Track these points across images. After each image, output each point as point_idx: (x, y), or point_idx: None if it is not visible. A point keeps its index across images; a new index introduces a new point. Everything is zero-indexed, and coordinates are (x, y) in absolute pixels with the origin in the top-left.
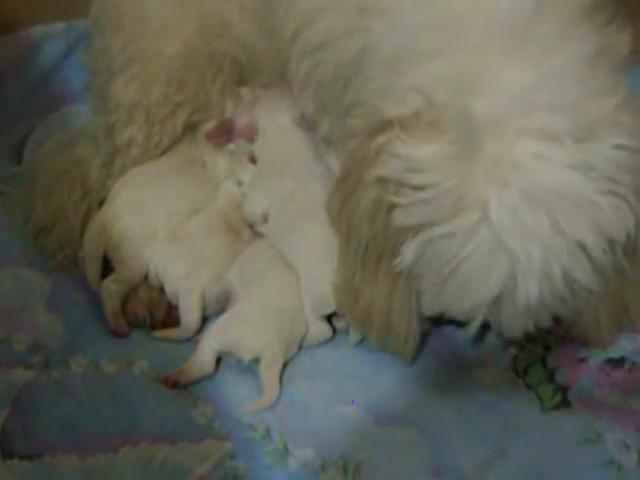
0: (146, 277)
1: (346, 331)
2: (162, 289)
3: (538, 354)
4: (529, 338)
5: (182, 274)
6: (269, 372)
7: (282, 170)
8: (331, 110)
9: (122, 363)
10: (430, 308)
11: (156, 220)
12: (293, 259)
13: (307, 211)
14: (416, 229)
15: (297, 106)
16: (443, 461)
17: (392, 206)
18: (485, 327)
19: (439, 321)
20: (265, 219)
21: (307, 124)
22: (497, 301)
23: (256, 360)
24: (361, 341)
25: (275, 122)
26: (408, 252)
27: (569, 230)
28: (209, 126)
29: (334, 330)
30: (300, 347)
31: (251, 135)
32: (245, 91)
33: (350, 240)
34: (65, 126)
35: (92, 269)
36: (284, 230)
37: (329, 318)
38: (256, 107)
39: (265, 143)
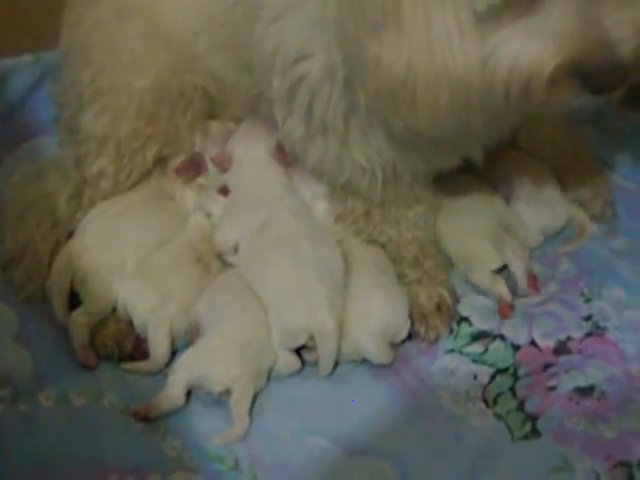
0: (114, 309)
1: (315, 363)
2: (131, 321)
3: (507, 383)
4: (498, 370)
5: (150, 307)
6: (239, 405)
7: (255, 202)
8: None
9: (91, 396)
10: None
11: (124, 253)
12: (261, 291)
13: (278, 244)
14: None
15: (272, 138)
16: None
17: None
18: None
19: None
20: (236, 250)
21: (282, 157)
22: None
23: (226, 392)
24: (331, 372)
25: (250, 153)
26: None
27: None
28: (178, 161)
29: (303, 362)
30: (269, 378)
31: (224, 165)
32: (215, 125)
33: None
34: (33, 158)
35: (58, 302)
36: (254, 261)
37: (298, 350)
38: (232, 137)
39: (239, 174)
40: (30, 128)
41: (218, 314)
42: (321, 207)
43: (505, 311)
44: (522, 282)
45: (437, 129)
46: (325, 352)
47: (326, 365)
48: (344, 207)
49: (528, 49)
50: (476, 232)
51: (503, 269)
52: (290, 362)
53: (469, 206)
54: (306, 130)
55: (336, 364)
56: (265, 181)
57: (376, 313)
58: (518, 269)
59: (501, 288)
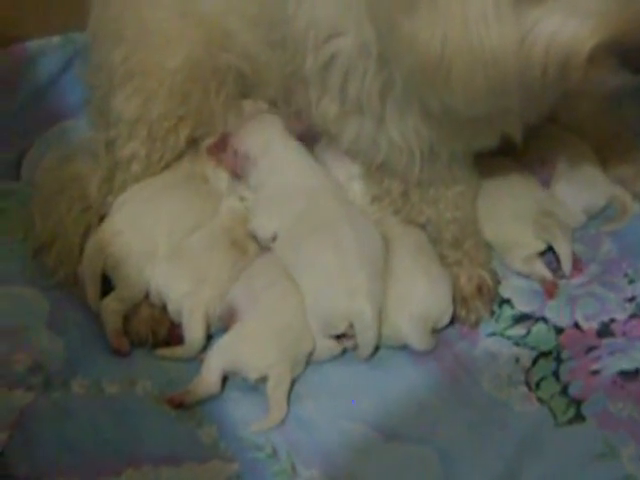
0: (148, 295)
1: (354, 348)
2: (164, 307)
3: (550, 367)
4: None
5: (184, 292)
6: (276, 391)
7: (291, 189)
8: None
9: (124, 383)
10: None
11: (157, 237)
12: (299, 277)
13: (318, 230)
14: None
15: (278, 119)
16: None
17: None
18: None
19: None
20: (275, 239)
21: (310, 136)
22: None
23: (262, 379)
24: (370, 357)
25: (274, 144)
26: None
27: None
28: (209, 140)
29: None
30: (307, 364)
31: (238, 170)
32: (248, 104)
33: None
34: (63, 141)
35: (91, 288)
36: (293, 248)
37: (337, 336)
38: (239, 140)
39: (270, 167)
40: (60, 111)
41: (255, 299)
42: (357, 188)
43: (551, 290)
44: (567, 265)
45: (474, 107)
46: (364, 340)
47: (365, 352)
48: (380, 187)
49: (565, 28)
50: (515, 216)
51: (542, 253)
52: (330, 348)
53: (507, 190)
54: (341, 109)
55: (375, 348)
56: (299, 169)
57: (418, 298)
58: (564, 252)
59: (541, 268)
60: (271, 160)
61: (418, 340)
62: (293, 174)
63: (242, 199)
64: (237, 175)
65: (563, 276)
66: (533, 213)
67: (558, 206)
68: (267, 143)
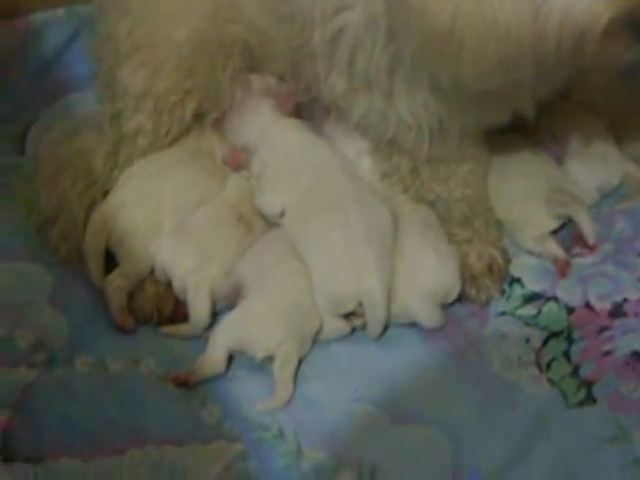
0: (152, 271)
1: (363, 327)
2: (169, 283)
3: (561, 348)
4: (552, 334)
5: (190, 268)
6: (283, 371)
7: (298, 165)
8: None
9: (128, 361)
10: None
11: (162, 212)
12: (307, 255)
13: (325, 206)
14: None
15: (266, 99)
16: (464, 462)
17: None
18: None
19: None
20: (282, 215)
21: (287, 104)
22: None
23: (269, 358)
24: (379, 335)
25: (269, 128)
26: None
27: None
28: (215, 114)
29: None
30: (314, 343)
31: (238, 162)
32: (256, 79)
33: None
34: (69, 115)
35: (94, 263)
36: (300, 225)
37: (345, 315)
38: (232, 131)
39: (270, 149)
40: (66, 84)
41: (262, 276)
42: (366, 164)
43: (564, 269)
44: (591, 235)
45: (484, 81)
46: (373, 319)
47: (374, 331)
48: (389, 164)
49: (580, 0)
50: (526, 194)
51: (554, 232)
52: (337, 327)
53: (519, 167)
54: (349, 84)
55: (385, 327)
56: (304, 147)
57: (426, 273)
58: (585, 222)
59: (554, 247)
60: (270, 144)
61: (427, 316)
62: (296, 152)
63: (248, 178)
64: (241, 168)
65: (575, 255)
66: (545, 191)
67: (570, 183)
68: (261, 129)
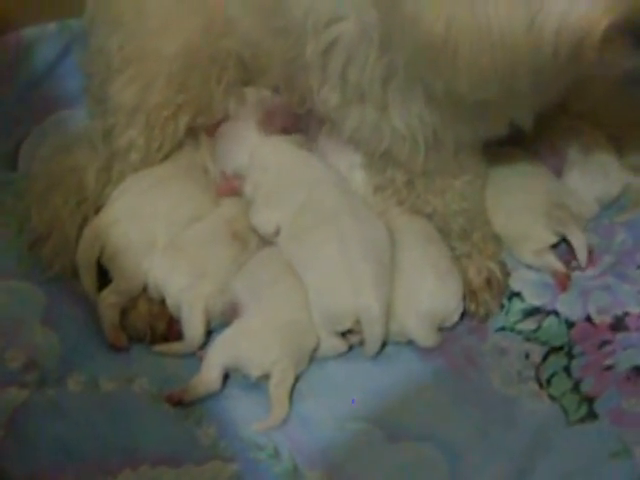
0: (146, 288)
1: (361, 344)
2: (163, 301)
3: (562, 363)
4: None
5: (184, 286)
6: (279, 389)
7: (290, 182)
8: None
9: (121, 380)
10: None
11: (155, 228)
12: (303, 272)
13: (320, 222)
14: None
15: (250, 121)
16: None
17: None
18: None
19: None
20: (277, 233)
21: (271, 126)
22: None
23: (265, 376)
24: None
25: (258, 150)
26: None
27: None
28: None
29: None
30: (310, 360)
31: (234, 190)
32: (250, 91)
33: None
34: (61, 131)
35: (86, 277)
36: (295, 242)
37: (342, 333)
38: (221, 159)
39: (261, 170)
40: (57, 99)
41: (258, 293)
42: (359, 177)
43: (564, 283)
44: (583, 258)
45: (479, 91)
46: (371, 337)
47: (372, 349)
48: (384, 177)
49: (577, 7)
50: (525, 209)
51: (553, 245)
52: (334, 345)
53: (517, 180)
54: (342, 97)
55: (382, 344)
56: (290, 163)
57: (426, 295)
58: (579, 244)
59: (553, 261)
60: (261, 164)
61: (424, 337)
62: (287, 170)
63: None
64: (237, 195)
65: (575, 268)
66: (544, 205)
67: (570, 197)
68: (250, 152)
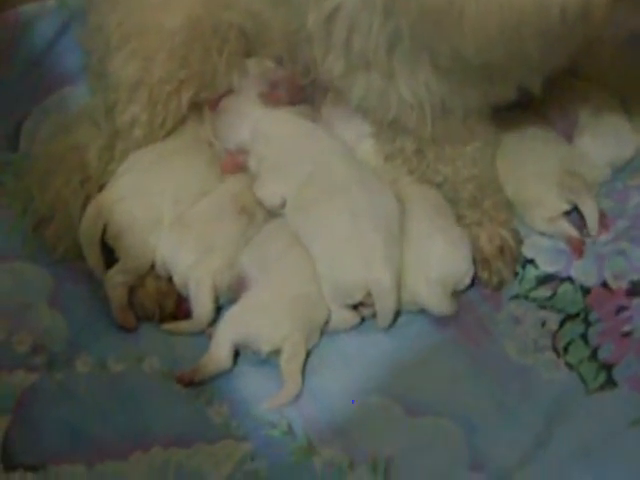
0: (153, 266)
1: (373, 316)
2: (171, 279)
3: (578, 330)
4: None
5: (191, 262)
6: (291, 364)
7: (297, 153)
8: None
9: (130, 361)
10: None
11: (161, 204)
12: (312, 245)
13: (328, 194)
14: None
15: (250, 93)
16: (481, 454)
17: None
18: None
19: None
20: (284, 205)
21: (274, 97)
22: None
23: (275, 352)
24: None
25: (260, 124)
26: None
27: None
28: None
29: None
30: (322, 334)
31: (239, 165)
32: (252, 63)
33: None
34: (62, 109)
35: (92, 257)
36: (303, 214)
37: (354, 305)
38: (222, 134)
39: (265, 143)
40: (58, 77)
41: (266, 267)
42: (368, 147)
43: (579, 249)
44: (594, 228)
45: (486, 55)
46: (383, 309)
47: (385, 321)
48: (393, 146)
49: None
50: (537, 176)
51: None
52: (346, 318)
53: (529, 146)
54: (347, 65)
55: (395, 314)
56: (294, 136)
57: (436, 261)
58: (591, 214)
59: (567, 227)
60: (264, 136)
61: (437, 304)
62: (291, 142)
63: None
64: (242, 170)
65: (589, 233)
66: (557, 172)
67: (582, 162)
68: (252, 126)
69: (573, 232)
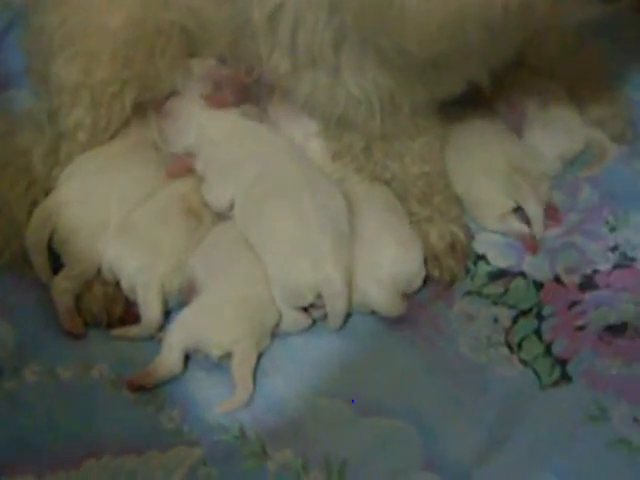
0: (100, 271)
1: (323, 318)
2: (118, 284)
3: (532, 325)
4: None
5: (138, 266)
6: (242, 368)
7: (242, 155)
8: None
9: (79, 368)
10: None
11: (107, 208)
12: (260, 247)
13: (275, 195)
14: None
15: (193, 97)
16: (436, 453)
17: None
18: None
19: None
20: (232, 207)
21: (218, 100)
22: None
23: (226, 356)
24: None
25: (205, 128)
26: None
27: None
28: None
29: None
30: (273, 336)
31: (186, 167)
32: (196, 63)
33: None
34: (6, 113)
35: (38, 263)
36: (251, 216)
37: (304, 308)
38: (168, 139)
39: (211, 146)
40: (1, 80)
41: (215, 270)
42: (316, 146)
43: (532, 245)
44: (538, 228)
45: (430, 49)
46: (334, 310)
47: (335, 322)
48: (341, 144)
49: None
50: (485, 172)
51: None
52: (297, 320)
53: (477, 141)
54: (293, 63)
55: (346, 316)
56: (239, 137)
57: (387, 262)
58: (534, 214)
59: (517, 225)
60: (210, 141)
61: (387, 306)
62: (237, 143)
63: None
64: (190, 173)
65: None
66: (504, 168)
67: (530, 158)
68: (197, 130)
69: (524, 229)
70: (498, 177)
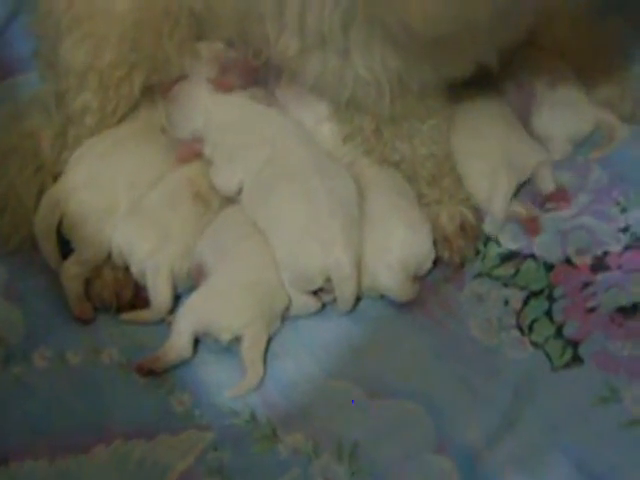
0: (109, 256)
1: (334, 301)
2: (128, 268)
3: (543, 307)
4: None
5: (148, 251)
6: (252, 352)
7: (251, 141)
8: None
9: (89, 352)
10: None
11: (116, 193)
12: (269, 231)
13: (284, 179)
14: None
15: (199, 80)
16: (447, 435)
17: None
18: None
19: None
20: (240, 191)
21: (225, 82)
22: None
23: (236, 339)
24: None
25: (212, 112)
26: None
27: None
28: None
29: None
30: (283, 319)
31: (195, 152)
32: (203, 46)
33: None
34: (14, 97)
35: (47, 248)
36: (260, 201)
37: (314, 291)
38: (174, 123)
39: (219, 130)
40: (8, 65)
41: (224, 253)
42: (326, 129)
43: (533, 227)
44: (495, 227)
45: (436, 27)
46: (344, 293)
47: (345, 306)
48: (352, 126)
49: None
50: (486, 155)
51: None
52: (306, 303)
53: (480, 124)
54: (301, 44)
55: (356, 300)
56: (247, 121)
57: (396, 246)
58: (496, 210)
59: (517, 207)
60: (218, 125)
61: (398, 290)
62: (245, 127)
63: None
64: (199, 158)
65: (550, 209)
66: (496, 159)
67: (528, 149)
68: (204, 114)
69: (523, 212)
70: (499, 159)
